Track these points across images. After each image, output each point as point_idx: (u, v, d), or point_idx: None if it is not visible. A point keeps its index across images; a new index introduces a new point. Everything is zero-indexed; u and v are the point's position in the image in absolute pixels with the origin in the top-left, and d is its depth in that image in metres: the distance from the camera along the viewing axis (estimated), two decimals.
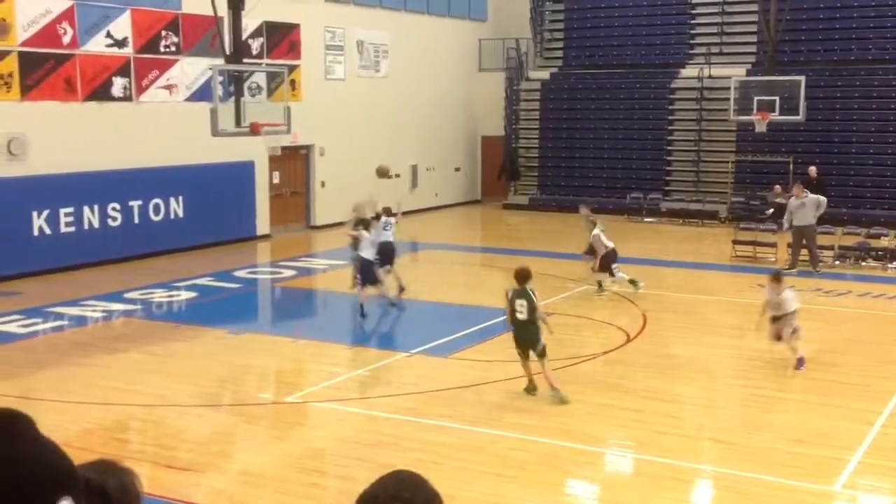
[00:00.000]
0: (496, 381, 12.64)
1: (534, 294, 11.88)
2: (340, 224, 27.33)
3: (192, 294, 18.73)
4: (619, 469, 10.22)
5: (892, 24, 30.48)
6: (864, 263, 21.78)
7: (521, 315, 11.81)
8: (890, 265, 21.53)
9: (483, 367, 13.49)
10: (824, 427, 10.87)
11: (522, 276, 11.92)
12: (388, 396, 12.07)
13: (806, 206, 21.13)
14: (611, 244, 18.37)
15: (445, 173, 33.35)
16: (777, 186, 28.63)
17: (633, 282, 18.29)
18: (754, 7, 30.86)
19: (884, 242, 22.62)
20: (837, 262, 21.92)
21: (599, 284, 18.50)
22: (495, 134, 34.24)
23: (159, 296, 18.50)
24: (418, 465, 9.71)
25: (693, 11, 33.41)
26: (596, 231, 18.53)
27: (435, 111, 32.45)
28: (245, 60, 19.74)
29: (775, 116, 27.37)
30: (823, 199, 21.51)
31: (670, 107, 32.44)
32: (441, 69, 32.64)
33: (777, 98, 27.36)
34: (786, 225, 21.47)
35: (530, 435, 10.66)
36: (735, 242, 23.25)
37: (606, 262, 18.18)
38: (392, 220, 17.46)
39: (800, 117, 27.28)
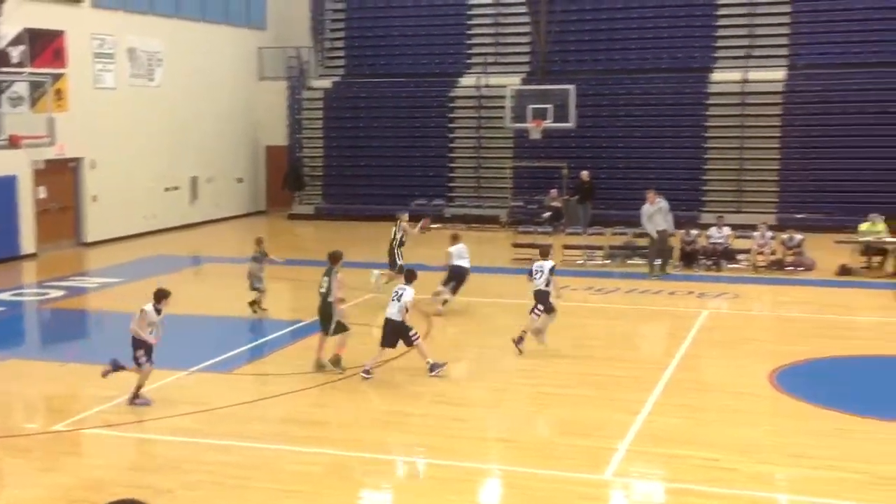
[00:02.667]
0: (280, 395, 12.44)
1: (335, 276, 13.34)
2: (117, 240, 26.20)
3: None
4: (408, 475, 10.29)
5: (653, 34, 32.51)
6: (630, 262, 23.03)
7: (322, 290, 13.41)
8: (655, 262, 22.86)
9: (267, 381, 13.26)
10: (597, 419, 11.40)
11: (333, 257, 13.66)
12: (168, 418, 11.61)
13: (662, 211, 21.76)
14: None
15: (227, 184, 32.59)
16: (553, 190, 29.88)
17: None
18: (527, 18, 32.10)
19: (648, 241, 23.99)
20: (607, 261, 23.08)
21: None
22: (279, 143, 33.82)
23: None
24: (200, 487, 9.41)
25: (469, 22, 34.31)
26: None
27: (215, 121, 31.65)
28: (4, 69, 18.50)
29: (549, 124, 28.56)
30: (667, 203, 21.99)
31: (450, 115, 33.14)
32: (220, 78, 31.87)
33: (550, 106, 28.54)
34: (649, 229, 21.55)
35: (317, 447, 10.56)
36: (515, 245, 24.02)
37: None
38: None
39: (571, 124, 28.61)
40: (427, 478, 10.05)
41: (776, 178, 29.47)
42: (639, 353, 14.54)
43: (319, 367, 13.39)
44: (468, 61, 33.98)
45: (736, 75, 30.72)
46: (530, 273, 14.96)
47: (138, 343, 11.87)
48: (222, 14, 32.20)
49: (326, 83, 34.29)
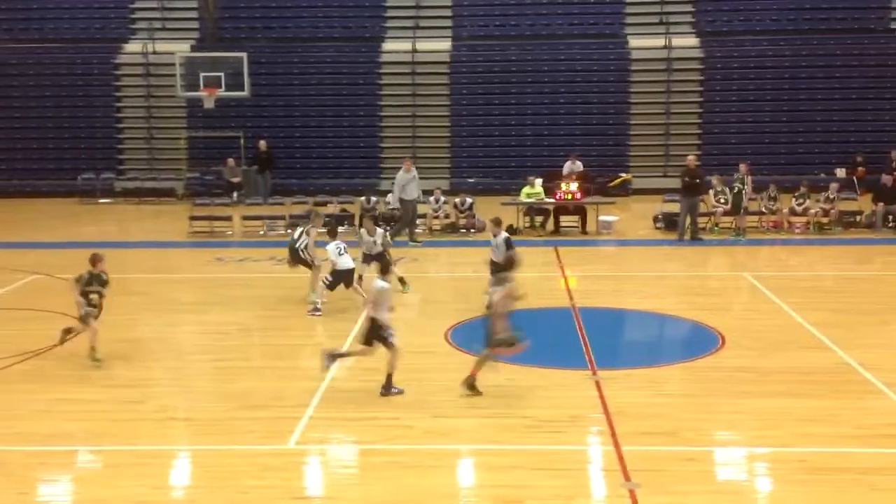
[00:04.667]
0: None
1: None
2: None
3: None
4: (80, 465, 9.66)
5: (324, 3, 32.70)
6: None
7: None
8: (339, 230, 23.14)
9: None
10: (278, 389, 11.37)
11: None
12: None
13: (416, 179, 21.81)
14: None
15: None
16: (230, 160, 29.29)
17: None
18: None
19: (329, 209, 24.26)
20: (289, 231, 22.96)
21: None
22: None
23: None
24: None
25: None
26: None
27: None
28: None
29: (222, 92, 27.93)
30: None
31: (116, 83, 31.47)
32: None
33: (222, 74, 27.91)
34: (395, 199, 21.56)
35: None
36: (192, 218, 23.33)
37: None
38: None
39: (245, 93, 28.14)
40: (104, 465, 9.51)
41: (448, 146, 30.83)
42: (321, 320, 14.64)
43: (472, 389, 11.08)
44: (132, 26, 32.37)
45: (406, 45, 31.64)
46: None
47: None
48: None
49: None
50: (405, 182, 21.81)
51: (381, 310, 11.10)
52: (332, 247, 15.10)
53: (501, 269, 11.87)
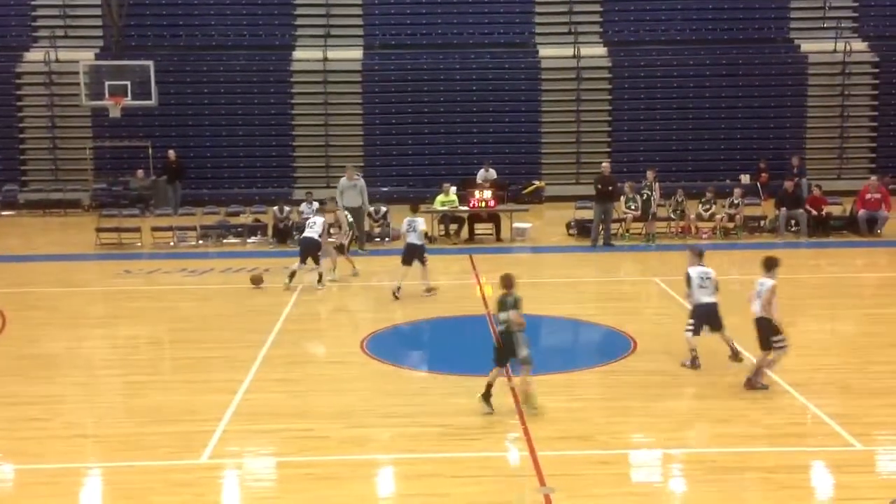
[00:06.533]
0: None
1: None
2: None
3: None
4: None
5: (232, 11, 32.27)
6: (224, 241, 22.83)
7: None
8: (248, 240, 22.89)
9: None
10: (190, 403, 11.13)
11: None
12: None
13: (357, 187, 21.43)
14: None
15: None
16: (140, 171, 28.70)
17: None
18: None
19: (241, 219, 23.98)
20: (200, 242, 22.67)
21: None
22: None
23: None
24: None
25: None
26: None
27: None
28: None
29: (129, 101, 27.35)
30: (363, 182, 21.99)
31: (17, 92, 30.57)
32: None
33: (129, 83, 27.33)
34: (341, 205, 20.94)
35: None
36: (99, 230, 22.77)
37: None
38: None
39: (153, 102, 27.60)
40: (11, 485, 9.18)
41: (361, 154, 30.75)
42: (235, 332, 14.40)
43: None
44: (34, 34, 31.50)
45: (317, 54, 31.49)
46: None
47: None
48: None
49: None
50: (343, 188, 21.56)
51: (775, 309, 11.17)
52: (404, 223, 16.98)
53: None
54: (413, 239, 16.76)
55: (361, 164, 30.40)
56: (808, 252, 21.75)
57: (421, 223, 17.03)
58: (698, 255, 12.54)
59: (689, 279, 12.23)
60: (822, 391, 11.29)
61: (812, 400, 10.91)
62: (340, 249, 18.64)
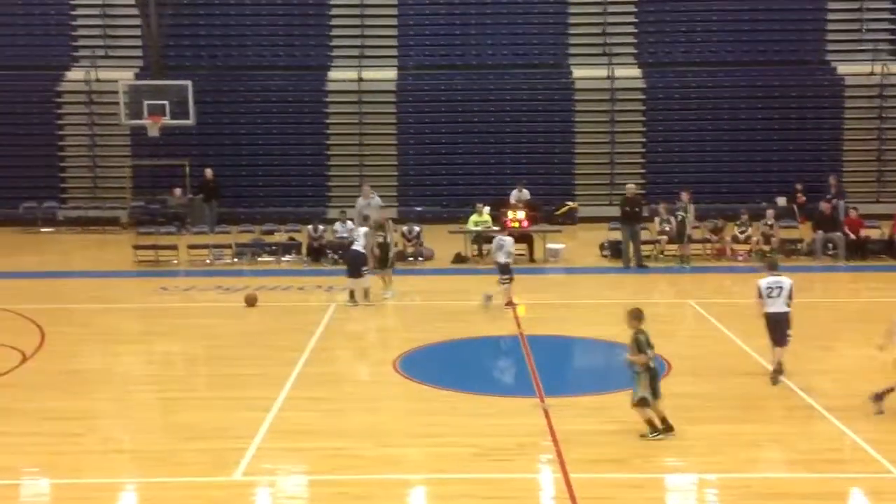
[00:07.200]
0: None
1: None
2: None
3: None
4: (20, 499, 9.40)
5: (268, 31, 32.63)
6: (259, 259, 23.00)
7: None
8: (283, 258, 23.04)
9: None
10: (224, 420, 11.18)
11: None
12: None
13: (372, 205, 21.80)
14: None
15: None
16: (177, 190, 29.02)
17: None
18: (136, 10, 30.88)
19: (276, 238, 24.15)
20: (236, 260, 22.86)
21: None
22: None
23: None
24: None
25: (73, 13, 32.38)
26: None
27: None
28: None
29: (167, 120, 27.72)
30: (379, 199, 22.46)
31: (58, 111, 31.07)
32: None
33: (167, 102, 27.71)
34: (357, 222, 21.35)
35: None
36: (136, 247, 23.03)
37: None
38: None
39: (191, 121, 27.95)
40: (48, 500, 9.28)
41: (395, 174, 30.89)
42: (269, 350, 14.48)
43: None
44: (75, 54, 32.04)
45: (352, 74, 31.73)
46: None
47: None
48: None
49: None
50: (362, 208, 21.74)
51: None
52: (494, 242, 17.88)
53: None
54: (500, 258, 17.40)
55: (395, 184, 30.57)
56: (846, 276, 21.52)
57: (510, 243, 17.63)
58: (770, 266, 12.86)
59: (758, 290, 12.43)
60: (860, 416, 11.14)
61: (850, 425, 10.77)
62: (383, 263, 18.59)
